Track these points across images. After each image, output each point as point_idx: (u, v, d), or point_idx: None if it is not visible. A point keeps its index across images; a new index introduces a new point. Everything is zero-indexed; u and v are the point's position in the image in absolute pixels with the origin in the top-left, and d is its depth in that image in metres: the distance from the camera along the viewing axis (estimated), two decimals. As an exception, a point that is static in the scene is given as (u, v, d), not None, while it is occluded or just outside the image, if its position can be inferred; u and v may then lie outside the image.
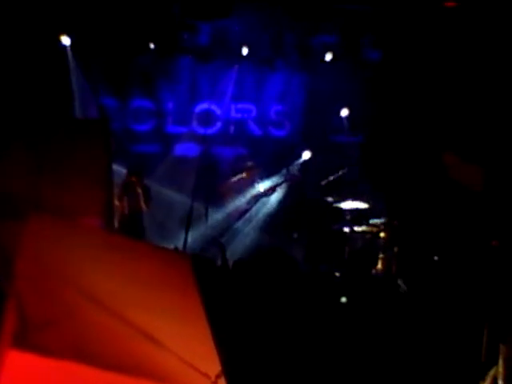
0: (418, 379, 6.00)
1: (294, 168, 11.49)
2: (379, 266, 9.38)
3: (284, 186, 11.18)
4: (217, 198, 11.15)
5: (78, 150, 8.41)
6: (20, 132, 8.46)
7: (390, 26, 11.64)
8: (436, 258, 9.11)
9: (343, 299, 8.28)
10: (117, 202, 9.75)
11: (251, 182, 11.21)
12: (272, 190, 11.06)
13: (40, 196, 7.60)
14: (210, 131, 12.21)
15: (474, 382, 5.16)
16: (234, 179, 11.16)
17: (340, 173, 10.47)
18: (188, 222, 10.11)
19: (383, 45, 12.00)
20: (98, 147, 8.75)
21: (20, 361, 3.17)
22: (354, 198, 10.03)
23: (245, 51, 11.76)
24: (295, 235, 10.58)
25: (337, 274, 9.25)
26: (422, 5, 11.20)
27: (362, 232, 9.81)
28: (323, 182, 10.54)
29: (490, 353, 5.18)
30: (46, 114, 10.05)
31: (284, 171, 11.35)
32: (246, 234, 10.89)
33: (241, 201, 11.09)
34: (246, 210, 11.10)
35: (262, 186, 11.11)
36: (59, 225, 4.66)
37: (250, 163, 11.44)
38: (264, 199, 11.14)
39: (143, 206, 10.07)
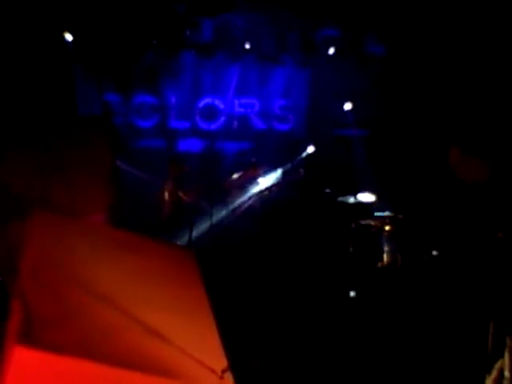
0: (425, 371, 6.00)
1: (296, 166, 11.49)
2: (384, 259, 9.37)
3: (284, 183, 11.18)
4: (221, 193, 11.14)
5: (82, 148, 8.41)
6: (24, 131, 8.46)
7: (394, 21, 11.60)
8: (435, 252, 9.10)
9: (352, 293, 8.24)
10: (165, 196, 10.20)
11: (255, 179, 11.20)
12: (269, 189, 11.04)
13: (45, 194, 7.61)
14: (214, 126, 12.21)
15: (481, 375, 5.16)
16: (237, 176, 11.16)
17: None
18: (192, 218, 10.13)
19: (387, 39, 11.97)
20: (102, 144, 8.76)
21: (26, 357, 3.18)
22: (360, 192, 10.01)
23: (248, 46, 11.75)
24: (299, 229, 10.55)
25: (342, 268, 9.24)
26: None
27: (367, 225, 9.79)
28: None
29: (496, 345, 5.17)
30: (50, 111, 10.05)
31: (283, 171, 11.35)
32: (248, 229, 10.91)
33: (244, 197, 11.08)
34: (250, 206, 11.09)
35: (263, 183, 11.11)
36: (63, 222, 4.68)
37: (253, 159, 11.43)
38: (268, 195, 11.14)
39: (183, 196, 10.25)
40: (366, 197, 10.00)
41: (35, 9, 10.48)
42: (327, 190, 10.21)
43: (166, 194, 10.29)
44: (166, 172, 10.93)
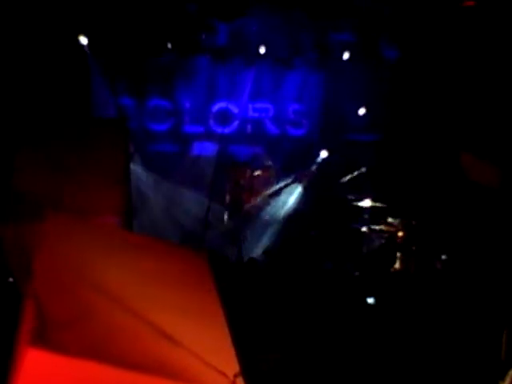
0: (438, 377, 5.98)
1: (309, 168, 11.50)
2: (397, 265, 9.34)
3: (295, 185, 11.22)
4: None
5: (95, 150, 8.44)
6: (38, 132, 8.51)
7: (408, 25, 11.58)
8: (444, 257, 9.06)
9: (370, 300, 8.16)
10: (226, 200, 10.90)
11: (267, 181, 11.22)
12: (276, 193, 11.10)
13: (58, 196, 7.65)
14: (228, 130, 12.20)
15: (494, 381, 5.12)
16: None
17: (357, 173, 10.47)
18: (206, 221, 10.16)
19: (401, 43, 11.94)
20: (116, 146, 8.78)
21: (39, 359, 3.18)
22: (372, 197, 10.00)
23: (262, 50, 11.76)
24: (313, 233, 10.54)
25: (355, 273, 9.21)
26: (440, 3, 11.13)
27: (380, 231, 9.77)
28: (341, 181, 10.53)
29: (510, 352, 5.14)
30: (65, 113, 10.10)
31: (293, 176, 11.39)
32: (263, 232, 10.91)
33: (256, 199, 11.11)
34: (261, 208, 11.12)
35: (275, 186, 11.16)
36: (76, 223, 4.68)
37: (267, 162, 11.47)
38: (281, 198, 11.16)
39: (245, 200, 10.60)
40: (376, 203, 10.00)
41: (51, 12, 10.54)
42: (347, 198, 10.19)
43: (228, 198, 10.84)
44: (183, 176, 11.08)
